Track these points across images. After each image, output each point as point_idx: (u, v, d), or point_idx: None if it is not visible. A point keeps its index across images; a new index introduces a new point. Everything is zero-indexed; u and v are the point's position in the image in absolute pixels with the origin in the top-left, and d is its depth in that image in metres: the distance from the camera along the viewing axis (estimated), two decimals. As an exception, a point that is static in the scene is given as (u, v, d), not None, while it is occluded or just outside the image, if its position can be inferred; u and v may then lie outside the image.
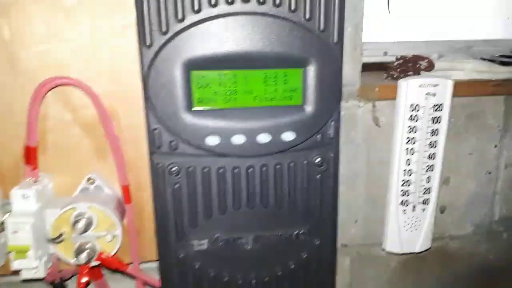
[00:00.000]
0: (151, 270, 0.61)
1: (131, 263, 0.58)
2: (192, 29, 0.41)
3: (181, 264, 0.49)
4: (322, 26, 0.44)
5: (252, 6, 0.42)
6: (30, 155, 0.51)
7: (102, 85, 0.53)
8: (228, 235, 0.49)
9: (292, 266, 0.52)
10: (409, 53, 0.70)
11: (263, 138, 0.45)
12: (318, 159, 0.48)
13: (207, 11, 0.41)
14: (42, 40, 0.50)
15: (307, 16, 0.43)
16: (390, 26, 0.80)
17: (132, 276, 0.59)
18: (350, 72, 0.64)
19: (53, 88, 0.50)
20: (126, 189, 0.55)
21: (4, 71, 0.51)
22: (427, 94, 0.62)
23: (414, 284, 0.81)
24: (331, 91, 0.46)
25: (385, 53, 0.79)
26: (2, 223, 0.53)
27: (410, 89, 0.61)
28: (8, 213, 0.53)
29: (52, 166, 0.55)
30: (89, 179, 0.55)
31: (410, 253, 0.72)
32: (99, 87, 0.52)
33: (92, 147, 0.55)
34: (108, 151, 0.55)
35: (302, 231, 0.50)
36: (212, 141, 0.44)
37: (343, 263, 0.76)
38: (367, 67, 0.70)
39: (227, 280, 0.50)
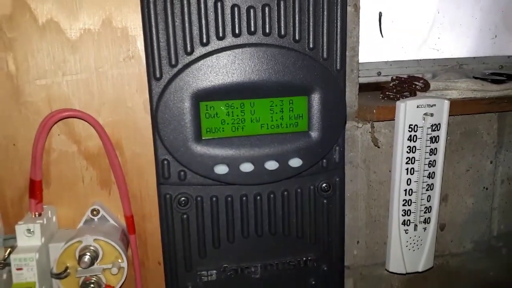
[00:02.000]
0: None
1: (135, 295, 0.58)
2: (201, 61, 0.42)
3: (189, 296, 0.49)
4: (325, 55, 0.46)
5: (258, 37, 0.44)
6: (35, 189, 0.51)
7: (105, 116, 0.54)
8: (237, 265, 0.49)
9: (302, 292, 0.52)
10: (401, 72, 0.72)
11: (271, 165, 0.46)
12: (325, 184, 0.50)
13: (215, 44, 0.43)
14: (46, 73, 0.51)
15: (311, 45, 0.45)
16: (382, 46, 0.83)
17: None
18: (348, 95, 0.66)
19: (60, 120, 0.51)
20: (130, 220, 0.56)
21: (9, 105, 0.51)
22: (424, 114, 0.64)
23: (417, 303, 0.82)
24: (335, 117, 0.48)
25: (379, 73, 0.82)
26: (5, 259, 0.53)
27: (408, 110, 0.64)
28: (9, 249, 0.53)
29: (55, 198, 0.55)
30: (93, 210, 0.55)
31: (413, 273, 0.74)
32: (102, 118, 0.53)
33: (96, 178, 0.56)
34: (112, 182, 0.56)
35: (310, 257, 0.51)
36: (221, 170, 0.45)
37: (347, 285, 0.77)
38: (361, 88, 0.72)
39: (236, 310, 0.51)
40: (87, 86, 0.53)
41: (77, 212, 0.56)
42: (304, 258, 0.51)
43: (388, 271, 0.74)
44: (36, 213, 0.52)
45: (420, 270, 0.73)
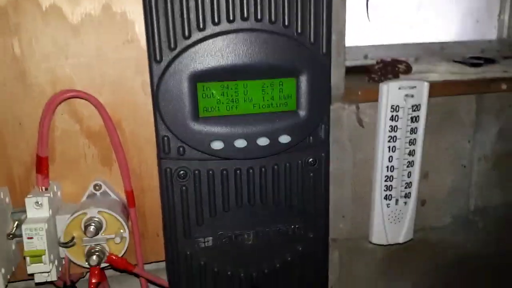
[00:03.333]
0: (154, 271, 0.66)
1: (136, 264, 0.63)
2: (198, 45, 0.47)
3: (188, 260, 0.55)
4: (312, 39, 0.51)
5: (250, 23, 0.48)
6: (42, 165, 0.56)
7: (106, 97, 0.58)
8: (231, 232, 0.55)
9: (289, 258, 0.58)
10: (388, 55, 0.78)
11: (263, 141, 0.52)
12: (311, 159, 0.55)
13: (210, 29, 0.47)
14: (50, 56, 0.55)
15: (299, 30, 0.50)
16: (369, 30, 0.88)
17: (137, 276, 0.64)
18: (335, 77, 0.71)
19: (65, 100, 0.55)
20: (130, 194, 0.61)
21: (15, 86, 0.55)
22: (406, 95, 0.70)
23: (399, 274, 0.89)
24: (321, 97, 0.53)
25: (365, 57, 0.87)
26: (14, 231, 0.57)
27: (390, 91, 0.69)
28: (17, 222, 0.58)
29: (60, 174, 0.60)
30: (95, 185, 0.60)
31: (395, 244, 0.80)
32: (104, 99, 0.58)
33: (97, 155, 0.60)
34: (112, 159, 0.61)
35: (297, 225, 0.57)
36: (217, 145, 0.50)
37: (333, 256, 0.83)
38: (348, 70, 0.77)
39: (230, 274, 0.56)
40: (89, 69, 0.57)
41: (80, 187, 0.61)
42: (292, 226, 0.57)
43: (371, 242, 0.80)
44: (43, 187, 0.57)
45: (401, 241, 0.80)
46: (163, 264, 0.66)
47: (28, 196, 0.55)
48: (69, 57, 0.56)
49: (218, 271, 0.56)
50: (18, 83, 0.55)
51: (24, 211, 0.58)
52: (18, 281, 0.63)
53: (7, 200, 0.58)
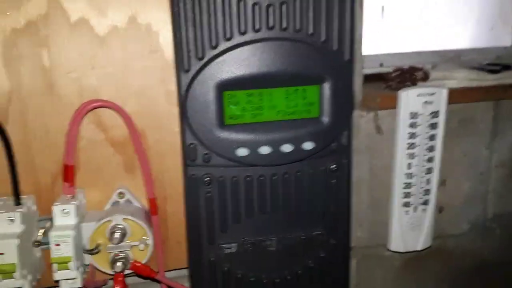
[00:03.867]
0: (174, 278, 0.67)
1: (157, 271, 0.64)
2: (225, 55, 0.49)
3: (212, 266, 0.56)
4: (336, 46, 0.52)
5: (276, 32, 0.50)
6: (69, 173, 0.57)
7: (131, 106, 0.60)
8: (254, 238, 0.56)
9: (311, 265, 0.59)
10: (403, 63, 0.79)
11: (286, 148, 0.53)
12: (334, 166, 0.56)
13: (237, 38, 0.49)
14: (77, 67, 0.57)
15: (323, 38, 0.51)
16: (384, 39, 0.89)
17: (158, 282, 0.65)
18: (353, 85, 0.73)
19: (92, 109, 0.57)
20: (153, 202, 0.62)
21: (44, 96, 0.57)
22: (424, 102, 0.71)
23: (416, 281, 0.89)
24: (344, 104, 0.54)
25: (381, 65, 0.88)
26: (39, 238, 0.59)
27: (409, 98, 0.70)
28: (43, 230, 0.59)
29: (84, 182, 0.61)
30: (120, 193, 0.61)
31: (413, 251, 0.81)
32: (128, 108, 0.59)
33: (121, 163, 0.62)
34: (136, 167, 0.62)
35: (319, 232, 0.58)
36: (242, 152, 0.52)
37: (350, 264, 0.84)
38: (365, 79, 0.78)
39: (253, 280, 0.57)
40: (114, 79, 0.59)
41: (103, 196, 0.62)
42: (314, 233, 0.58)
43: (389, 250, 0.81)
44: (69, 195, 0.58)
45: (419, 248, 0.80)
46: (183, 272, 0.67)
47: (55, 203, 0.56)
48: (95, 67, 0.58)
49: (241, 277, 0.56)
50: (46, 93, 0.57)
51: (49, 219, 0.59)
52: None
53: (34, 208, 0.59)
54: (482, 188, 0.87)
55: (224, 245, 0.55)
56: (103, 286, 0.65)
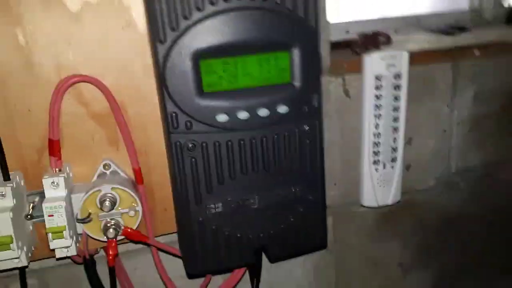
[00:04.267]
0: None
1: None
2: (197, 25, 0.52)
3: (200, 226, 0.60)
4: (302, 14, 0.56)
5: (244, 1, 0.53)
6: (54, 148, 0.60)
7: (109, 80, 0.62)
8: (238, 197, 0.61)
9: (292, 219, 0.64)
10: (368, 30, 0.83)
11: (263, 112, 0.57)
12: (307, 127, 0.61)
13: (208, 9, 0.52)
14: (53, 43, 0.59)
15: (290, 7, 0.55)
16: (348, 7, 0.94)
17: (147, 245, 0.69)
18: (321, 52, 0.77)
19: (72, 84, 0.59)
20: (138, 172, 0.65)
21: (22, 74, 0.59)
22: (388, 65, 0.76)
23: (389, 236, 0.96)
24: (313, 69, 0.58)
25: (347, 32, 0.93)
26: (30, 212, 0.62)
27: (373, 62, 0.75)
28: (32, 204, 0.62)
29: (69, 156, 0.64)
30: (105, 165, 0.65)
31: (384, 206, 0.87)
32: (107, 82, 0.62)
33: (104, 137, 0.65)
34: (119, 139, 0.65)
35: (297, 188, 0.63)
36: (222, 118, 0.56)
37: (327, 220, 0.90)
38: (332, 46, 0.82)
39: (239, 236, 0.62)
40: (91, 54, 0.61)
41: (89, 168, 0.65)
42: (292, 190, 0.63)
43: (363, 205, 0.87)
44: (57, 169, 0.61)
45: (389, 203, 0.87)
46: (171, 237, 0.72)
47: (45, 177, 0.59)
48: (71, 43, 0.60)
49: (229, 234, 0.61)
50: (24, 71, 0.59)
51: (38, 193, 0.62)
52: (34, 260, 0.67)
53: (22, 183, 0.62)
54: (446, 145, 0.94)
55: (210, 206, 0.60)
56: (95, 255, 0.69)
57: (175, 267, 0.74)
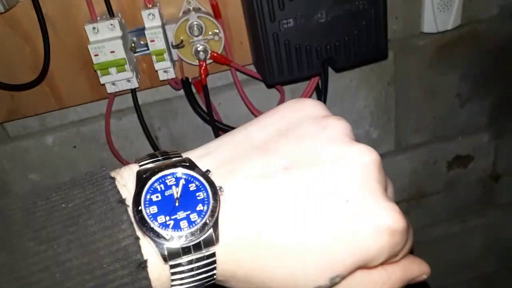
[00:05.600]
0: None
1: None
2: None
3: (275, 41, 0.71)
4: None
5: None
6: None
7: None
8: (307, 12, 0.70)
9: (355, 32, 0.73)
10: None
11: None
12: None
13: None
14: None
15: None
16: None
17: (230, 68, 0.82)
18: None
19: None
20: (215, 6, 0.76)
21: None
22: None
23: (447, 67, 1.02)
24: None
25: None
26: (133, 45, 0.75)
27: None
28: (134, 38, 0.75)
29: (158, -5, 0.75)
30: (188, 1, 0.75)
31: (445, 32, 0.92)
32: None
33: (184, -27, 0.74)
34: (195, -25, 0.75)
35: (361, 2, 0.71)
36: None
37: (388, 56, 0.97)
38: None
39: (308, 48, 0.72)
40: None
41: (175, 8, 0.76)
42: (356, 3, 0.71)
43: (422, 32, 0.93)
44: (150, 4, 0.73)
45: (449, 27, 0.92)
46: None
47: (143, 10, 0.71)
48: None
49: (299, 46, 0.72)
50: None
51: (135, 31, 0.75)
52: (140, 90, 0.83)
53: (123, 21, 0.75)
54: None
55: (283, 21, 0.70)
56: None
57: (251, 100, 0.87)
